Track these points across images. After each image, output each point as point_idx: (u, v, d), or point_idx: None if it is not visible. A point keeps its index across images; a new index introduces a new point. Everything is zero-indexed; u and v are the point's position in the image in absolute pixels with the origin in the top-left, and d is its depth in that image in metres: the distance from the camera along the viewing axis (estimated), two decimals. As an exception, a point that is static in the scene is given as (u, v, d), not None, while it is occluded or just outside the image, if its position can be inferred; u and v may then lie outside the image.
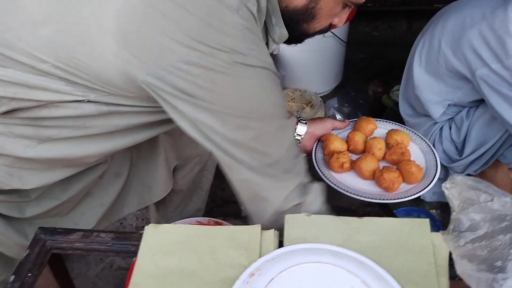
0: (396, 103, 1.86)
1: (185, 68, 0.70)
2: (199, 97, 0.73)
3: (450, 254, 0.75)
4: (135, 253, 0.83)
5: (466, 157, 1.51)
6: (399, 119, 1.74)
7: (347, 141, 1.16)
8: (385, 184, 1.04)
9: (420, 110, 1.62)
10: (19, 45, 0.76)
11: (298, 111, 2.07)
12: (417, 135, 1.19)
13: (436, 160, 1.10)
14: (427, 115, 1.59)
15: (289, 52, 2.13)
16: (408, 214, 1.55)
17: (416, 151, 1.15)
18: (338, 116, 2.10)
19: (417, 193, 1.03)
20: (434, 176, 1.06)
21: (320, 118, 1.25)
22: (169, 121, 0.84)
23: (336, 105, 2.14)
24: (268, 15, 0.83)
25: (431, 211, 1.65)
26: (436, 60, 1.45)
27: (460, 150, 1.55)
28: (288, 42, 0.93)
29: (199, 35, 0.69)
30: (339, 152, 1.11)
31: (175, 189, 1.29)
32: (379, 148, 1.12)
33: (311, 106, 2.10)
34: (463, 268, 0.65)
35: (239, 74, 0.73)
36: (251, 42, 0.73)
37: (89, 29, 0.73)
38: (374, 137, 1.16)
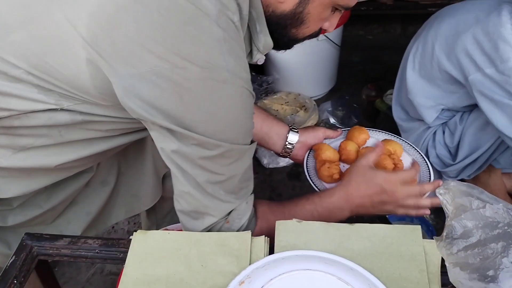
0: (390, 107, 1.86)
1: (154, 79, 0.68)
2: (163, 110, 0.71)
3: (442, 261, 0.75)
4: (123, 260, 0.82)
5: (459, 162, 1.51)
6: (392, 123, 1.74)
7: (339, 150, 1.15)
8: None
9: (413, 114, 1.61)
10: None
11: (292, 115, 2.06)
12: (410, 145, 1.17)
13: (429, 171, 1.08)
14: (421, 120, 1.58)
15: (283, 55, 2.11)
16: (401, 219, 1.54)
17: (409, 161, 1.13)
18: (332, 120, 2.09)
19: None
20: None
21: (312, 127, 1.23)
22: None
23: (330, 109, 2.13)
24: (252, 22, 0.81)
25: (424, 216, 1.64)
26: (430, 64, 1.44)
27: (454, 155, 1.54)
28: (277, 48, 0.91)
29: (173, 44, 0.67)
30: (331, 162, 1.09)
31: (165, 196, 1.27)
32: None
33: (305, 110, 2.09)
34: (455, 276, 0.65)
35: (209, 93, 0.71)
36: (228, 54, 0.70)
37: (62, 34, 0.71)
38: (367, 147, 1.14)
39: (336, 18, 0.89)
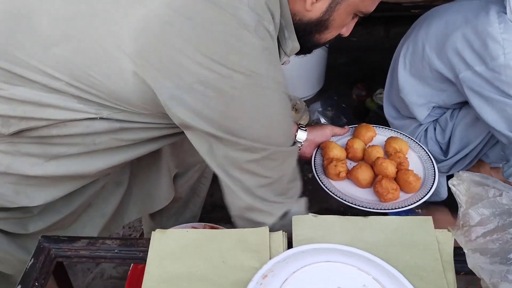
0: (380, 106, 1.90)
1: (201, 89, 0.71)
2: (210, 118, 0.74)
3: (455, 250, 0.78)
4: (142, 259, 0.83)
5: (451, 157, 1.55)
6: (382, 122, 1.78)
7: (346, 148, 1.17)
8: (381, 190, 1.04)
9: (404, 112, 1.66)
10: (31, 63, 0.75)
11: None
12: (416, 143, 1.20)
13: (434, 168, 1.11)
14: (412, 117, 1.63)
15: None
16: (396, 214, 1.57)
17: (415, 159, 1.16)
18: (323, 120, 2.13)
19: (414, 203, 1.03)
20: (432, 185, 1.07)
21: (320, 125, 1.26)
22: (178, 134, 0.84)
23: (320, 109, 2.16)
24: (281, 29, 0.84)
25: (417, 210, 1.69)
26: (421, 63, 1.49)
27: (445, 151, 1.59)
28: (299, 53, 0.94)
29: (218, 55, 0.70)
30: (338, 160, 1.12)
31: (173, 197, 1.29)
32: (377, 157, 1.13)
33: (296, 111, 2.12)
34: (475, 262, 0.68)
35: (254, 99, 0.74)
36: (268, 63, 0.74)
37: (106, 48, 0.73)
38: (373, 145, 1.17)
39: (353, 23, 0.93)
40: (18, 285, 0.78)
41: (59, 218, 0.97)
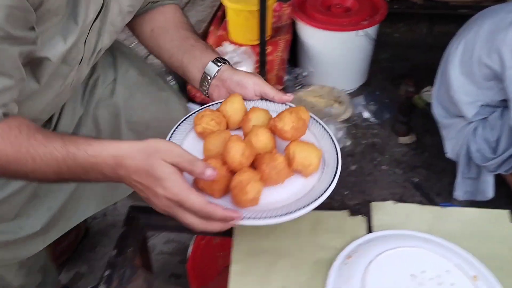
0: (427, 104, 1.92)
1: None
2: None
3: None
4: (226, 233, 0.87)
5: (499, 156, 1.57)
6: (428, 120, 1.81)
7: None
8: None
9: (453, 111, 1.68)
10: None
11: (327, 107, 2.11)
12: (325, 130, 0.86)
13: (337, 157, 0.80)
14: (460, 116, 1.65)
15: (319, 49, 2.18)
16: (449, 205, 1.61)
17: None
18: (366, 114, 2.15)
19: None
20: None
21: (248, 73, 0.92)
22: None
23: (363, 103, 2.18)
24: None
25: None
26: (470, 61, 1.52)
27: (494, 149, 1.61)
28: None
29: None
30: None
31: None
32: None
33: (340, 103, 2.14)
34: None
35: None
36: None
37: None
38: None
39: None
40: (114, 249, 0.83)
41: None
